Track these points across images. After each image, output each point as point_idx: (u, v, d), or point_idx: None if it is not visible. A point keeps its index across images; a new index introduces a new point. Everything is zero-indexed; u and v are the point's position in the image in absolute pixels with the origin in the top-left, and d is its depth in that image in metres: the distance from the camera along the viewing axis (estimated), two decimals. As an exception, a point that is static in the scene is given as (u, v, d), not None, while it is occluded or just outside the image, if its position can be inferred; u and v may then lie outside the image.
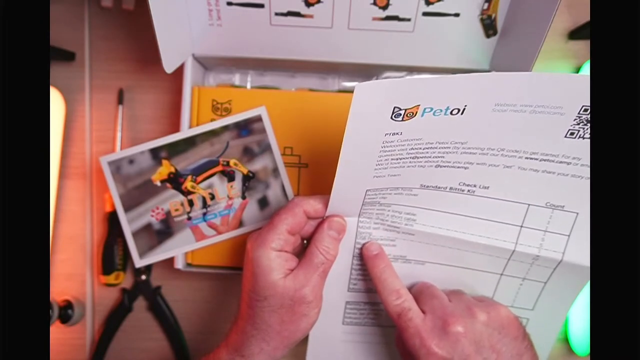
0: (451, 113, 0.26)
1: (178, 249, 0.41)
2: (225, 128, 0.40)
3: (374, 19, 0.39)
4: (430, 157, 0.29)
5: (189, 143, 0.40)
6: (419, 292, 0.34)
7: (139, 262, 0.41)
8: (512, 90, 0.25)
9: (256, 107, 0.40)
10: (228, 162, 0.40)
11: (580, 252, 0.32)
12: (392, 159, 0.28)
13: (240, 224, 0.41)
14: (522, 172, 0.30)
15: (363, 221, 0.34)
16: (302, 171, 0.41)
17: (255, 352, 0.31)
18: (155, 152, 0.40)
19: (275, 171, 0.41)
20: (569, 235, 0.32)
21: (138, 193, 0.40)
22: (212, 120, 0.41)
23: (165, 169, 0.40)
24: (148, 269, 0.47)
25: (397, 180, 0.30)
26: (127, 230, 0.40)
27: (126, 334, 0.47)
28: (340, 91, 0.44)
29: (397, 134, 0.27)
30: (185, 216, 0.41)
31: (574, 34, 0.46)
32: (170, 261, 0.41)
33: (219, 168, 0.40)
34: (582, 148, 0.28)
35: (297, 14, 0.39)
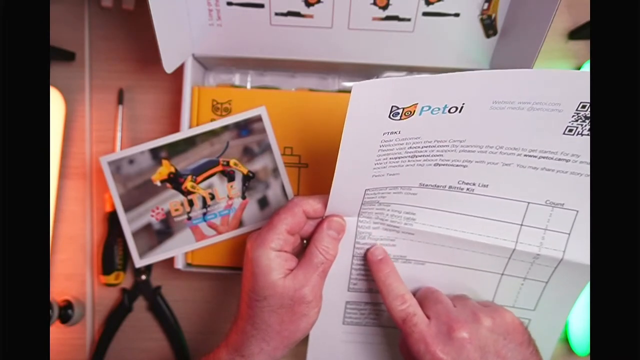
0: (449, 111, 0.26)
1: (178, 249, 0.41)
2: (225, 128, 0.40)
3: (374, 19, 0.39)
4: (428, 155, 0.29)
5: (189, 143, 0.40)
6: (423, 297, 0.34)
7: (139, 262, 0.41)
8: (509, 87, 0.25)
9: (256, 107, 0.40)
10: (228, 162, 0.40)
11: (580, 251, 0.32)
12: (390, 158, 0.28)
13: (240, 224, 0.41)
14: (521, 169, 0.30)
15: (363, 221, 0.33)
16: (302, 171, 0.41)
17: (255, 352, 0.31)
18: (155, 152, 0.40)
19: (275, 171, 0.41)
20: (569, 234, 0.32)
21: (138, 193, 0.40)
22: (212, 120, 0.41)
23: (165, 169, 0.40)
24: (148, 269, 0.47)
25: (396, 179, 0.30)
26: (127, 230, 0.40)
27: (126, 334, 0.47)
28: (340, 91, 0.44)
29: (395, 132, 0.27)
30: (185, 216, 0.41)
31: (574, 34, 0.46)
32: (170, 261, 0.41)
33: (219, 168, 0.40)
34: (581, 145, 0.28)
35: (297, 14, 0.39)
